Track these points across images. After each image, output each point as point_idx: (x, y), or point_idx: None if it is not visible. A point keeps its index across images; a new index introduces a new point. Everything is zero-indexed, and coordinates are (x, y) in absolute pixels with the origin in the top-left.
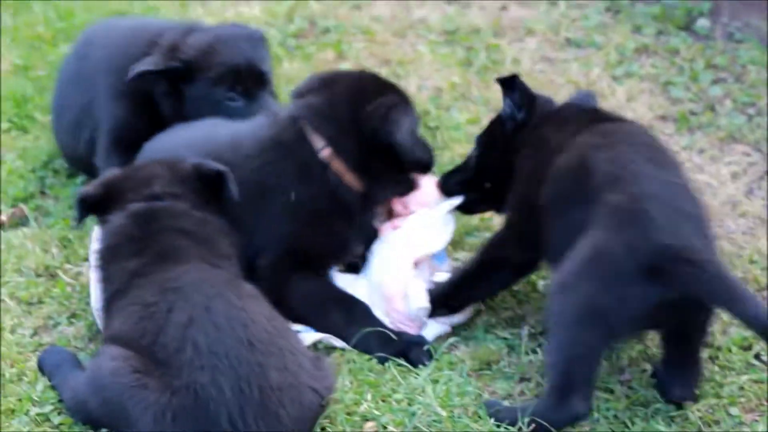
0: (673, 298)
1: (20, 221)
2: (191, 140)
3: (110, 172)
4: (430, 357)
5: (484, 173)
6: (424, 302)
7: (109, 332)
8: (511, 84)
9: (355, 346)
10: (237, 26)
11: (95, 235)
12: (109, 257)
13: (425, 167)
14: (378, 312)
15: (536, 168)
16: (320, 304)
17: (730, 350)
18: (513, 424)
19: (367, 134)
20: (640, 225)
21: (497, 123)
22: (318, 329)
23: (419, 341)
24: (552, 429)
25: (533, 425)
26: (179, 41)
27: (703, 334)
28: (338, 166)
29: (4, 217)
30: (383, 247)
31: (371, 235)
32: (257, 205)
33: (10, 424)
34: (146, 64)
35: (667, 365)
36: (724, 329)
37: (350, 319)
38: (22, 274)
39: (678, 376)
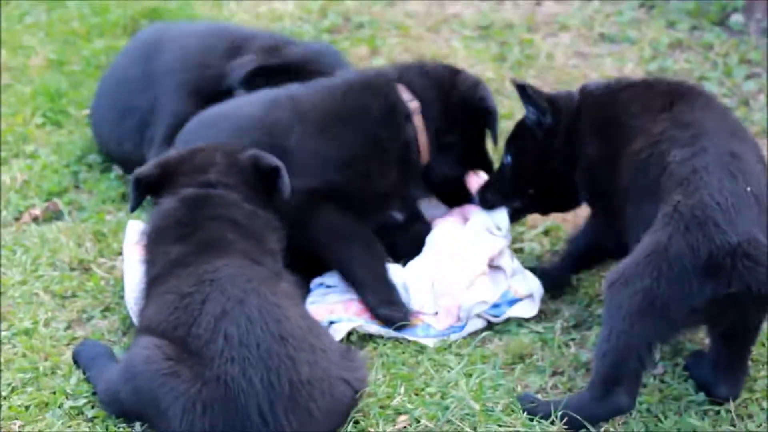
0: (732, 293)
1: (54, 215)
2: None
3: (166, 154)
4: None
5: (526, 181)
6: (486, 297)
7: (143, 321)
8: (523, 93)
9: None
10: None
11: (129, 229)
12: (154, 239)
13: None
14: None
15: (606, 154)
16: (342, 235)
17: (763, 344)
18: (547, 417)
19: (455, 101)
20: (704, 228)
21: (524, 129)
22: (332, 260)
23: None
24: (588, 423)
25: (566, 419)
26: (278, 45)
27: (756, 333)
28: (419, 121)
29: (38, 212)
30: (458, 233)
31: (413, 213)
32: (324, 132)
33: (44, 417)
34: (257, 62)
35: (715, 363)
36: None
37: (365, 261)
38: (56, 268)
39: (726, 373)
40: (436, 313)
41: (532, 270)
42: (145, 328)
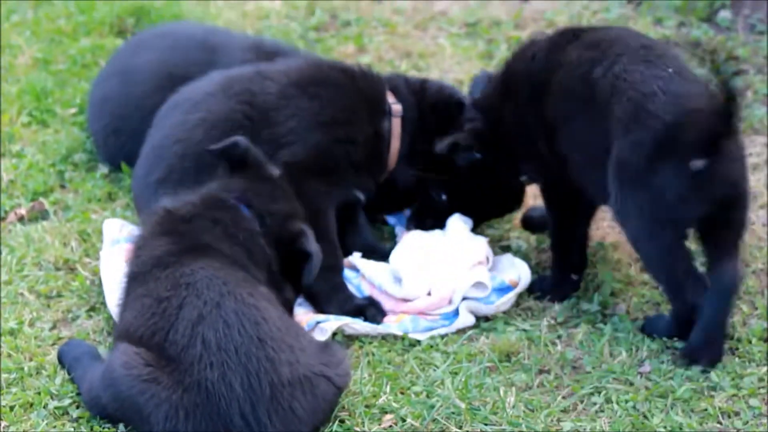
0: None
1: (40, 215)
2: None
3: (269, 167)
4: (384, 315)
5: (465, 204)
6: (484, 279)
7: (122, 324)
8: (453, 149)
9: (317, 293)
10: None
11: (106, 229)
12: (155, 224)
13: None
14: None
15: (530, 128)
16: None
17: (750, 341)
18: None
19: (428, 106)
20: (641, 121)
21: (454, 167)
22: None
23: (373, 302)
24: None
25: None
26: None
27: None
28: (396, 125)
29: (23, 211)
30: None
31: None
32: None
33: (29, 418)
34: None
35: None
36: (745, 320)
37: (329, 254)
38: (41, 268)
39: (705, 342)
40: (429, 293)
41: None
42: (123, 333)
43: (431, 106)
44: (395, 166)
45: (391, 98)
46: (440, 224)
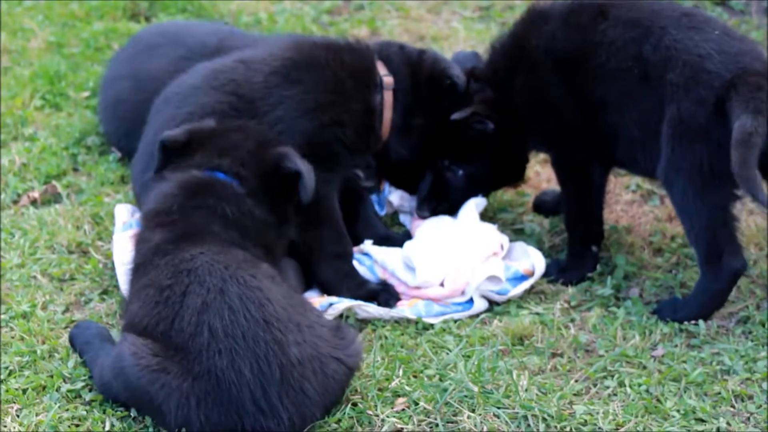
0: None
1: (53, 198)
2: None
3: (203, 123)
4: (398, 299)
5: (482, 180)
6: (498, 272)
7: (128, 315)
8: (468, 119)
9: (326, 282)
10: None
11: (118, 213)
12: (147, 222)
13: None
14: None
15: (552, 103)
16: (317, 214)
17: (763, 325)
18: (695, 318)
19: (423, 78)
20: (699, 80)
21: (468, 141)
22: (310, 226)
23: (387, 287)
24: (717, 303)
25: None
26: None
27: None
28: (388, 96)
29: (36, 194)
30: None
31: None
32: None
33: (42, 401)
34: None
35: None
36: (758, 304)
37: (336, 242)
38: (54, 251)
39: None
40: (442, 284)
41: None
42: (129, 325)
43: (425, 78)
44: (388, 138)
45: (382, 69)
46: (455, 207)
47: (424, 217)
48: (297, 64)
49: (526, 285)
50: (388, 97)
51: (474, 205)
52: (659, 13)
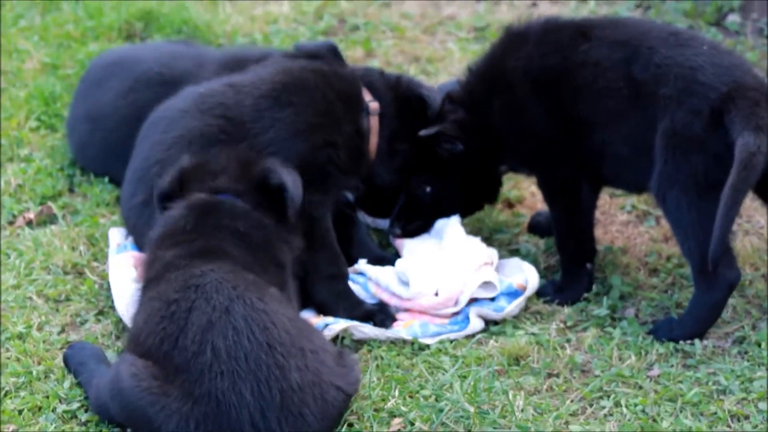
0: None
1: (48, 219)
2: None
3: (183, 162)
4: (394, 320)
5: (452, 197)
6: (492, 279)
7: (133, 328)
8: (436, 138)
9: (322, 302)
10: None
11: (112, 236)
12: (157, 245)
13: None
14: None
15: (551, 105)
16: (312, 236)
17: (759, 345)
18: (692, 337)
19: (403, 101)
20: (693, 91)
21: (436, 158)
22: (305, 248)
23: (383, 308)
24: (712, 318)
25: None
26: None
27: None
28: (374, 122)
29: (32, 215)
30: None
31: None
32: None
33: (38, 421)
34: None
35: None
36: (754, 324)
37: (331, 263)
38: (49, 272)
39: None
40: (437, 294)
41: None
42: (133, 340)
43: (404, 101)
44: (374, 164)
45: (367, 96)
46: (426, 226)
47: (396, 235)
48: (287, 87)
49: (521, 301)
50: (374, 122)
51: (458, 222)
52: (646, 33)
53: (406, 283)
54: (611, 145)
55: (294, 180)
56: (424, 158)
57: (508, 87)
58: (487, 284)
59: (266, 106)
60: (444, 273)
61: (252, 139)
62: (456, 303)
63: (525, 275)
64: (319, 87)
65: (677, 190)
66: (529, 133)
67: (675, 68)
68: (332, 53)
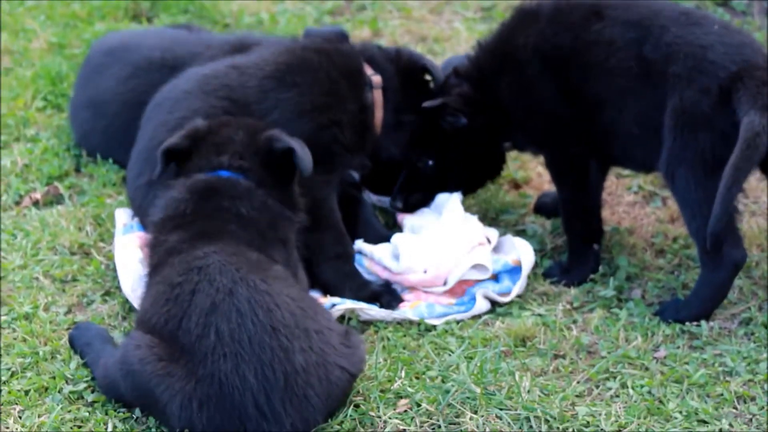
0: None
1: (55, 199)
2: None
3: (195, 124)
4: (400, 300)
5: (454, 172)
6: (485, 261)
7: (141, 312)
8: (439, 110)
9: (328, 283)
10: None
11: (118, 216)
12: (161, 228)
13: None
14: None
15: (544, 102)
16: (317, 216)
17: (765, 326)
18: (698, 318)
19: (405, 73)
20: (703, 69)
21: (440, 131)
22: (310, 228)
23: (389, 289)
24: (718, 299)
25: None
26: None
27: None
28: (378, 95)
29: (38, 195)
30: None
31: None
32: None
33: (44, 402)
34: None
35: None
36: (760, 305)
37: (336, 242)
38: (56, 252)
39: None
40: (425, 271)
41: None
42: (141, 321)
43: (406, 73)
44: (380, 138)
45: (368, 70)
46: (427, 199)
47: (398, 209)
48: (290, 67)
49: (523, 280)
50: (378, 96)
51: (458, 200)
52: (658, 13)
53: (398, 257)
54: (621, 124)
55: (300, 144)
56: (427, 131)
57: (518, 64)
58: (479, 266)
59: (270, 87)
60: (435, 251)
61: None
62: (444, 282)
63: (518, 251)
64: (322, 66)
65: (685, 169)
66: (539, 110)
67: (685, 47)
68: (340, 38)
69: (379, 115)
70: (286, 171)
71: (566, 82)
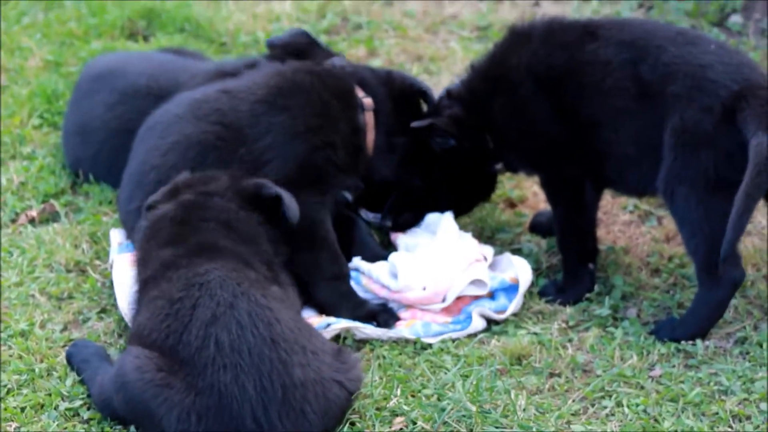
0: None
1: (51, 217)
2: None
3: (177, 179)
4: (397, 319)
5: (442, 192)
6: (483, 277)
7: (135, 327)
8: (429, 131)
9: (325, 302)
10: None
11: (113, 235)
12: (149, 239)
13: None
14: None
15: (557, 102)
16: (313, 237)
17: (761, 346)
18: (694, 337)
19: (397, 96)
20: (704, 88)
21: (427, 150)
22: (306, 249)
23: (386, 308)
24: (715, 317)
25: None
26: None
27: None
28: (369, 118)
29: (35, 213)
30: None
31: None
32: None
33: (40, 419)
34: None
35: None
36: (756, 324)
37: (332, 263)
38: (52, 270)
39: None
40: (424, 288)
41: (546, 290)
42: (136, 336)
43: (398, 96)
44: (372, 160)
45: (360, 92)
46: (417, 219)
47: (387, 228)
48: (282, 90)
49: (520, 295)
50: (369, 118)
51: (451, 219)
52: (653, 33)
53: (396, 275)
54: (617, 145)
55: (288, 195)
56: (417, 151)
57: (511, 85)
58: (477, 282)
59: (262, 111)
60: (433, 268)
61: (250, 145)
62: (443, 299)
63: (515, 269)
64: (314, 88)
65: (686, 187)
66: (532, 131)
67: (684, 66)
68: (306, 40)
69: (371, 137)
70: (270, 216)
71: (560, 102)
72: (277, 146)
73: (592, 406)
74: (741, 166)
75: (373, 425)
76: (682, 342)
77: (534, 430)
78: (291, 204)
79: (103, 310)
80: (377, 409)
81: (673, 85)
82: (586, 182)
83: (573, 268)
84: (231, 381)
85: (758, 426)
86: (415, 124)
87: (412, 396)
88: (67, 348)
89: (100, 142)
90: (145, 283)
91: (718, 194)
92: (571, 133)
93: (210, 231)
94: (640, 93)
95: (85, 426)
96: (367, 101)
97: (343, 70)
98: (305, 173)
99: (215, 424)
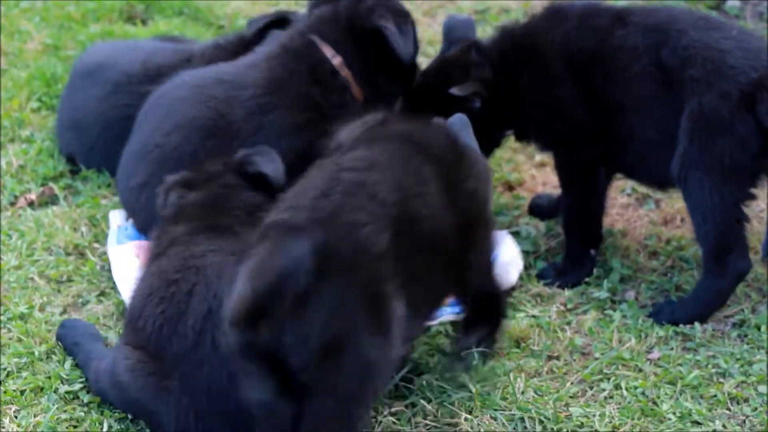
0: None
1: (50, 200)
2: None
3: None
4: None
5: None
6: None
7: (130, 307)
8: (461, 99)
9: None
10: None
11: (113, 218)
12: (169, 222)
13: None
14: None
15: (563, 103)
16: None
17: (759, 328)
18: (692, 321)
19: (358, 30)
20: (723, 74)
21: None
22: None
23: None
24: (718, 303)
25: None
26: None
27: None
28: (346, 74)
29: (33, 196)
30: None
31: None
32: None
33: (40, 402)
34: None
35: None
36: (754, 307)
37: None
38: (51, 253)
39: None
40: None
41: (545, 272)
42: (130, 325)
43: (359, 35)
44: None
45: (328, 51)
46: None
47: None
48: (268, 90)
49: (512, 269)
50: (347, 74)
51: None
52: (676, 18)
53: None
54: (641, 130)
55: (275, 168)
56: (428, 103)
57: (543, 59)
58: None
59: (253, 109)
60: None
61: (243, 140)
62: None
63: (508, 250)
64: (296, 82)
65: (701, 172)
66: (557, 109)
67: (703, 51)
68: (284, 22)
69: (356, 89)
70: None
71: (587, 84)
72: (271, 143)
73: (591, 388)
74: (757, 155)
75: (375, 408)
76: (680, 325)
77: (533, 412)
78: (276, 174)
79: (103, 293)
80: None
81: (691, 69)
82: (601, 168)
83: (575, 252)
84: (228, 380)
85: (756, 408)
86: (455, 90)
87: (412, 379)
88: (56, 329)
89: (96, 136)
90: (152, 258)
91: (732, 182)
92: (595, 115)
93: (222, 205)
94: (663, 78)
95: (85, 409)
96: (337, 61)
97: (305, 36)
98: (305, 163)
99: (214, 423)
